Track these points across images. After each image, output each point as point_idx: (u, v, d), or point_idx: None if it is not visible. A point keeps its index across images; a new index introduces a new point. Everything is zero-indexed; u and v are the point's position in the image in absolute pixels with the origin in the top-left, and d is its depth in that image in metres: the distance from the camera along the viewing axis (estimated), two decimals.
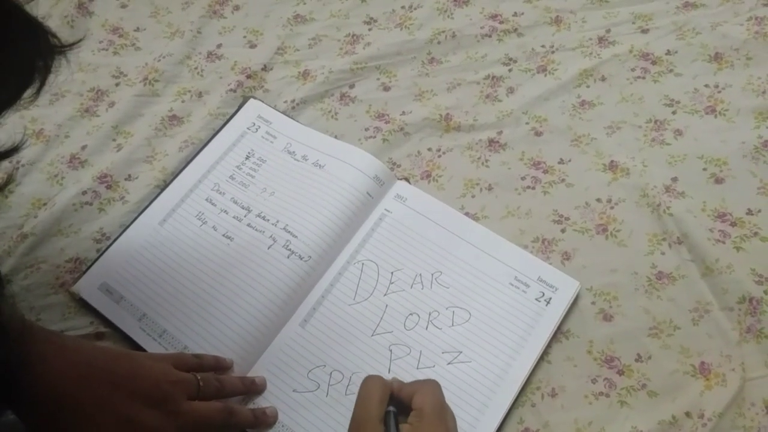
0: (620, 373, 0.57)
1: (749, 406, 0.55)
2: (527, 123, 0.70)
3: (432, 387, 0.50)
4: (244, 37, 0.79)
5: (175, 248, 0.63)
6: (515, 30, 0.77)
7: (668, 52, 0.73)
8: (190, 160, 0.69)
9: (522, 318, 0.59)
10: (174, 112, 0.73)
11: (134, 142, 0.71)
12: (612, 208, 0.65)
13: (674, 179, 0.65)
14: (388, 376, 0.55)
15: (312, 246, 0.62)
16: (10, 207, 0.67)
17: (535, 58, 0.75)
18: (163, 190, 0.67)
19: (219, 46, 0.79)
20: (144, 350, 0.58)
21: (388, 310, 0.60)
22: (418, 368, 0.57)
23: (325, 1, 0.81)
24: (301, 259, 0.62)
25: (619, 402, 0.56)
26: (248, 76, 0.75)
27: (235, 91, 0.74)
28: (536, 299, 0.60)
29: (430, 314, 0.60)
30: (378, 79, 0.75)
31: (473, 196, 0.66)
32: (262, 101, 0.73)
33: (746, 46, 0.72)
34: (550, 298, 0.59)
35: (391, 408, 0.49)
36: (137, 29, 0.81)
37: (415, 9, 0.80)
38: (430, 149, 0.70)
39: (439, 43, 0.76)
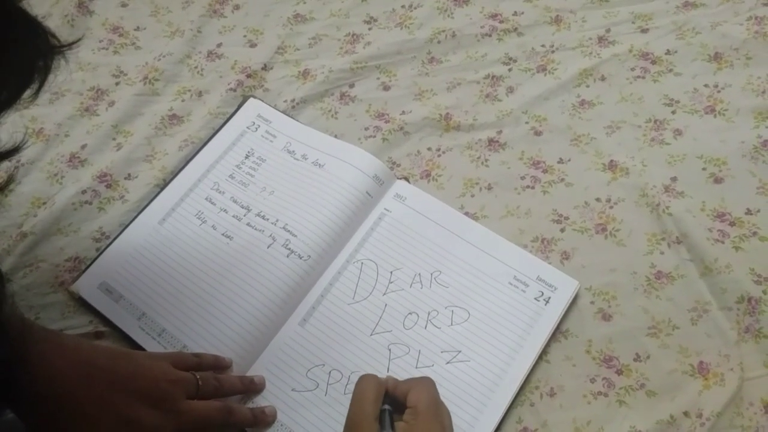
0: (619, 372, 0.57)
1: (747, 405, 0.55)
2: (527, 122, 0.70)
3: (426, 384, 0.50)
4: (244, 36, 0.79)
5: (175, 247, 0.63)
6: (515, 29, 0.77)
7: (668, 52, 0.73)
8: (190, 160, 0.69)
9: (521, 317, 0.59)
10: (174, 111, 0.73)
11: (134, 141, 0.71)
12: (611, 207, 0.65)
13: (673, 179, 0.65)
14: (386, 375, 0.55)
15: (311, 245, 0.62)
16: (10, 206, 0.67)
17: (535, 57, 0.75)
18: (162, 189, 0.67)
19: (219, 45, 0.79)
20: (143, 349, 0.58)
21: (387, 309, 0.60)
22: (417, 367, 0.57)
23: (325, 0, 0.81)
24: (301, 258, 0.62)
25: (618, 401, 0.56)
26: (248, 76, 0.75)
27: (235, 91, 0.74)
28: (535, 299, 0.60)
29: (429, 313, 0.60)
30: (378, 78, 0.75)
31: (473, 196, 0.66)
32: (262, 100, 0.73)
33: (746, 46, 0.72)
34: (549, 298, 0.59)
35: (386, 406, 0.49)
36: (137, 28, 0.81)
37: (415, 8, 0.80)
38: (429, 149, 0.70)
39: (439, 42, 0.76)
